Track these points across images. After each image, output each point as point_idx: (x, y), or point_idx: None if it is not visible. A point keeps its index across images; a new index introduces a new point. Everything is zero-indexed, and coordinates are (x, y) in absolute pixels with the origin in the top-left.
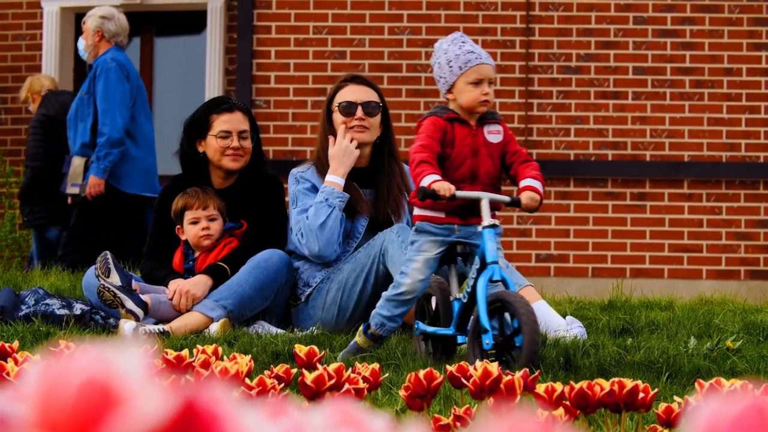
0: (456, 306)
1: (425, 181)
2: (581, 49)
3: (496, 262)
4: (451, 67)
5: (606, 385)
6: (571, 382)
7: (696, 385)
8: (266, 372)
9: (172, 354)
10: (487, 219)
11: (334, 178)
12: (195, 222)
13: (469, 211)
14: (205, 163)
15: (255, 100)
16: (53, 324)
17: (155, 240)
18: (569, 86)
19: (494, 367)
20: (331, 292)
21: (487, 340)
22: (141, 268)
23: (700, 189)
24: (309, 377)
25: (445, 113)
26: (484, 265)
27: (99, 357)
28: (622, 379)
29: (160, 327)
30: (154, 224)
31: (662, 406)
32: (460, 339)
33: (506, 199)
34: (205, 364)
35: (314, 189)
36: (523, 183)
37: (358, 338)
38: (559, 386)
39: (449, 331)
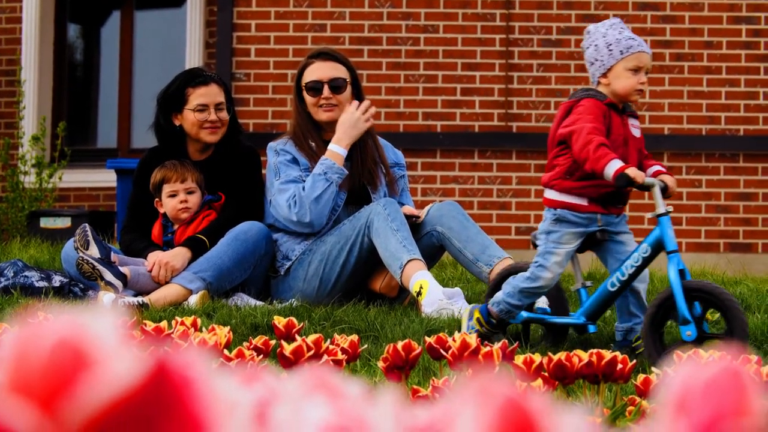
0: (584, 294)
1: (614, 166)
2: (561, 22)
3: (677, 251)
4: (611, 50)
5: (584, 356)
6: (549, 354)
7: (674, 356)
8: (245, 344)
9: (150, 326)
10: (661, 206)
11: (337, 149)
12: (173, 195)
13: (611, 199)
14: (182, 135)
15: (235, 73)
16: (32, 296)
17: (134, 213)
18: (549, 59)
19: (473, 339)
20: (313, 264)
21: (689, 332)
22: (120, 240)
23: (679, 162)
24: (288, 348)
25: (603, 98)
26: (655, 253)
27: (71, 321)
28: (600, 350)
29: (139, 299)
30: (133, 197)
31: (640, 377)
32: (591, 328)
33: (663, 184)
34: (184, 336)
35: (295, 161)
36: (654, 168)
37: (477, 325)
38: (537, 357)
39: (578, 320)
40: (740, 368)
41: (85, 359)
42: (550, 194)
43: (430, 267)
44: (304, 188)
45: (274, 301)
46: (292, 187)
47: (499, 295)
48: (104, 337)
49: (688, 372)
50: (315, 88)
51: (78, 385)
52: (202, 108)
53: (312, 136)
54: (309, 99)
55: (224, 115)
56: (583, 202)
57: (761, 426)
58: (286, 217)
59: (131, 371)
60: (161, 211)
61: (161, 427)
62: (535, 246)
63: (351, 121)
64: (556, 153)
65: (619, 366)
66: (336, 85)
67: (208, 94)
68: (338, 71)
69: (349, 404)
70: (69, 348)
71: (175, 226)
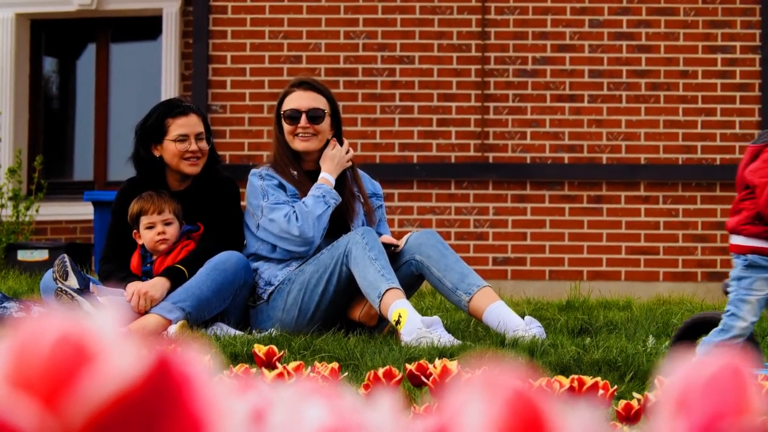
0: None
1: None
2: (537, 52)
3: None
4: None
5: (566, 382)
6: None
7: (656, 382)
8: (225, 372)
9: None
10: None
11: (330, 177)
12: (151, 227)
13: None
14: (161, 166)
15: (211, 105)
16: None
17: (113, 243)
18: (525, 89)
19: (454, 365)
20: (292, 293)
21: None
22: (99, 270)
23: (656, 191)
24: (269, 376)
25: None
26: None
27: (72, 317)
28: (581, 376)
29: None
30: (111, 227)
31: (622, 403)
32: None
33: None
34: None
35: (281, 186)
36: None
37: None
38: None
39: None
40: (740, 366)
41: (86, 355)
42: (738, 240)
43: (409, 296)
44: (306, 204)
45: (254, 331)
46: (286, 206)
47: None
48: (105, 334)
49: (688, 370)
50: (293, 116)
51: (80, 381)
52: (183, 138)
53: (293, 164)
54: (286, 127)
55: (204, 145)
56: None
57: (761, 424)
58: (284, 232)
59: (132, 367)
60: (139, 242)
61: (162, 423)
62: (726, 294)
63: (338, 158)
64: (743, 196)
65: (601, 392)
66: (314, 116)
67: (188, 124)
68: (317, 102)
69: (346, 406)
70: (71, 344)
71: (154, 257)
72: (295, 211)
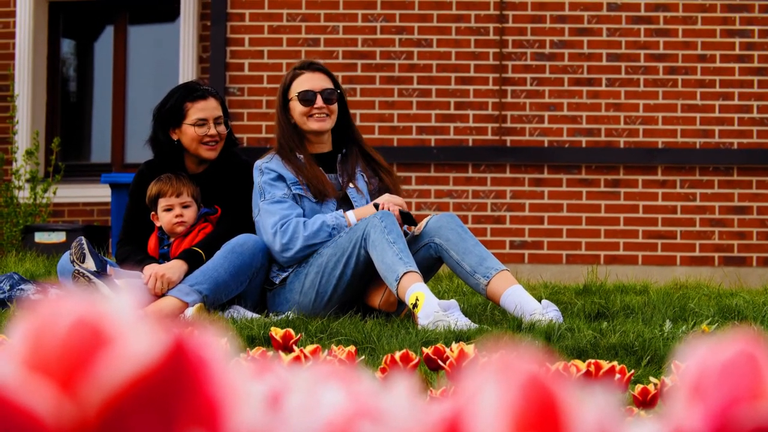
0: None
1: None
2: (555, 35)
3: None
4: None
5: (582, 366)
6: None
7: (673, 366)
8: (242, 355)
9: None
10: None
11: (352, 217)
12: (169, 209)
13: None
14: (179, 149)
15: (229, 87)
16: None
17: (130, 225)
18: (543, 73)
19: (470, 349)
20: (309, 276)
21: None
22: (116, 252)
23: (674, 175)
24: (286, 359)
25: None
26: None
27: (89, 300)
28: (598, 360)
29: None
30: (129, 209)
31: (638, 387)
32: None
33: None
34: None
35: (280, 178)
36: None
37: None
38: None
39: None
40: (756, 351)
41: (103, 338)
42: None
43: (427, 279)
44: (305, 224)
45: (271, 314)
46: (278, 214)
47: None
48: (122, 316)
49: (703, 355)
50: (308, 98)
51: (96, 364)
52: (202, 122)
53: (298, 148)
54: (300, 108)
55: (222, 128)
56: None
57: None
58: (267, 242)
59: (149, 350)
60: (157, 224)
61: (178, 405)
62: None
63: (394, 200)
64: None
65: (617, 376)
66: (329, 97)
67: (207, 108)
68: (327, 82)
69: (363, 391)
70: (87, 327)
71: (171, 239)
72: (286, 224)
